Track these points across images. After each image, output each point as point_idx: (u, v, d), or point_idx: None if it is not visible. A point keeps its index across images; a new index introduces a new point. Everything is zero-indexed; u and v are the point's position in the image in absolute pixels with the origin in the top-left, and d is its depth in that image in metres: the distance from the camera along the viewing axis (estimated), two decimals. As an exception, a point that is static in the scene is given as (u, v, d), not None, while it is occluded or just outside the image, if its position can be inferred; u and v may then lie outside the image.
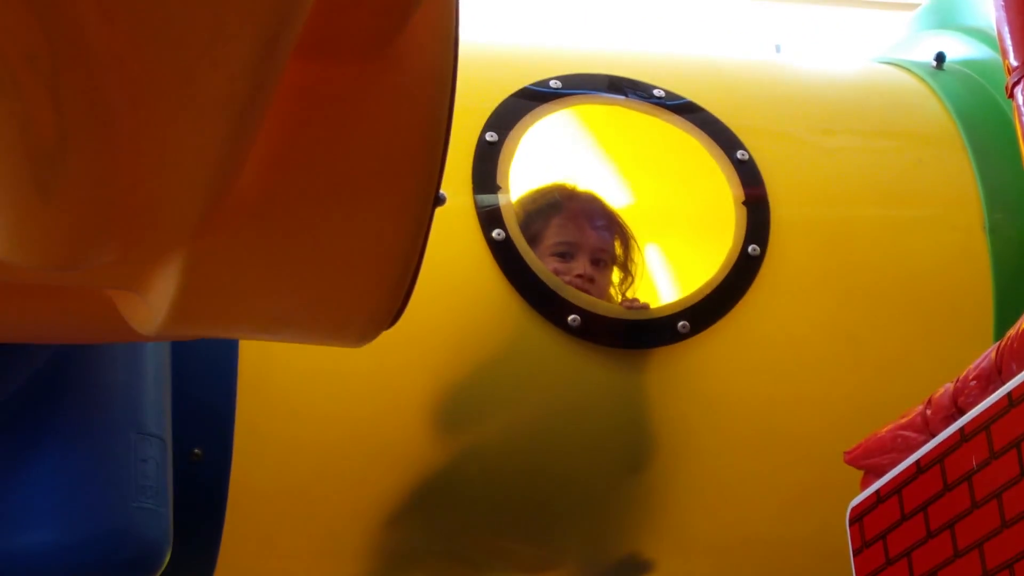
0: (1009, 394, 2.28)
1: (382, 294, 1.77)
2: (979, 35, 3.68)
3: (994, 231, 3.39)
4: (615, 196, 3.56)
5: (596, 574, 3.50)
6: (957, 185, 3.46)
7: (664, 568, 3.49)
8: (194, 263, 1.66)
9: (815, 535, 3.25)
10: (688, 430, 3.25)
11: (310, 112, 1.60)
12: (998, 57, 3.49)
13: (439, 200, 1.77)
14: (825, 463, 3.09)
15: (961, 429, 2.39)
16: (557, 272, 3.26)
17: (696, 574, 3.61)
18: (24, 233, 1.56)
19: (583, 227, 3.44)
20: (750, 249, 3.24)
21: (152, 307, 1.75)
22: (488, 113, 3.25)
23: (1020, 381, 2.26)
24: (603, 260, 3.44)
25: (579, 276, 3.34)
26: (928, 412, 2.53)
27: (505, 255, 3.13)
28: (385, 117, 1.63)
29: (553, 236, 3.39)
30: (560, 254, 3.37)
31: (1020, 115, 2.38)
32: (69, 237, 1.58)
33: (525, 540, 3.32)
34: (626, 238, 3.51)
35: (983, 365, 2.39)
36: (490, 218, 3.15)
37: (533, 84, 3.33)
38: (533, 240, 3.29)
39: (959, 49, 3.74)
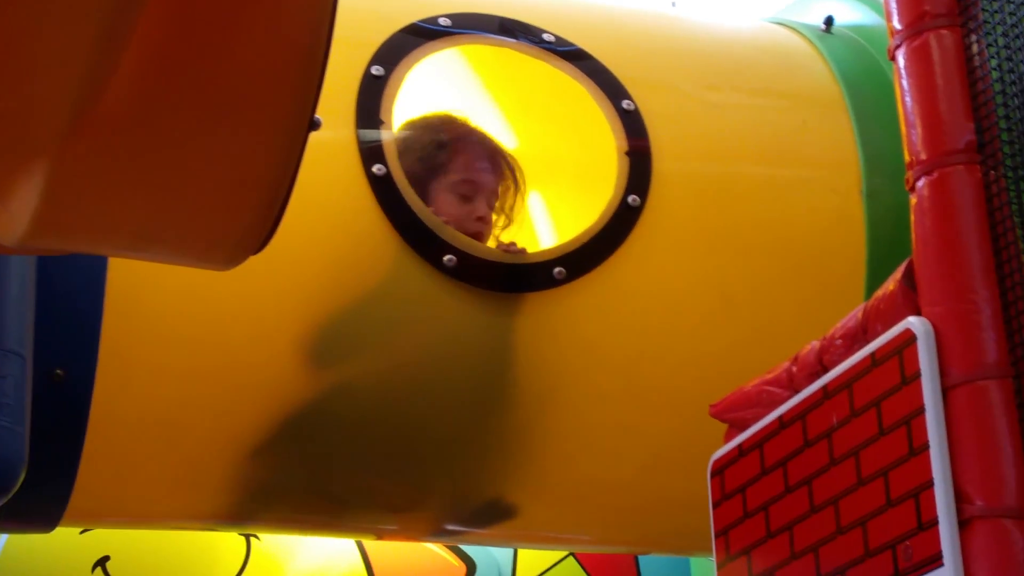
0: (872, 354, 2.31)
1: (251, 216, 1.75)
2: (868, 1, 3.71)
3: (871, 196, 3.43)
4: (500, 140, 3.54)
5: (460, 516, 3.51)
6: (838, 148, 3.48)
7: (527, 513, 3.51)
8: (58, 172, 1.63)
9: (678, 487, 3.28)
10: (557, 376, 3.26)
11: (185, 23, 1.57)
12: (885, 24, 3.53)
13: (314, 124, 1.74)
14: (692, 416, 3.12)
15: (824, 387, 2.42)
16: (456, 217, 3.25)
17: (559, 521, 3.63)
18: None
19: (486, 168, 3.43)
20: (630, 199, 3.24)
21: (13, 217, 1.72)
22: (375, 47, 3.21)
23: (884, 342, 2.29)
24: (494, 204, 3.44)
25: (480, 219, 3.34)
26: (794, 369, 2.56)
27: (384, 191, 3.10)
28: (262, 33, 1.60)
29: (459, 172, 3.37)
30: (463, 194, 3.36)
31: (900, 79, 2.39)
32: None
33: (391, 479, 3.31)
34: (518, 183, 3.51)
35: (849, 325, 2.42)
36: (371, 153, 3.12)
37: (422, 20, 3.29)
38: (435, 169, 3.28)
39: (848, 14, 3.76)
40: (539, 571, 4.35)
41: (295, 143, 1.71)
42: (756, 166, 3.47)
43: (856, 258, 3.40)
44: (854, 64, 3.61)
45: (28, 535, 3.69)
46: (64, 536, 3.85)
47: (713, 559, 3.99)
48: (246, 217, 1.75)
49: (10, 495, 2.56)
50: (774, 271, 3.38)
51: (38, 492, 2.92)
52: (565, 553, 4.38)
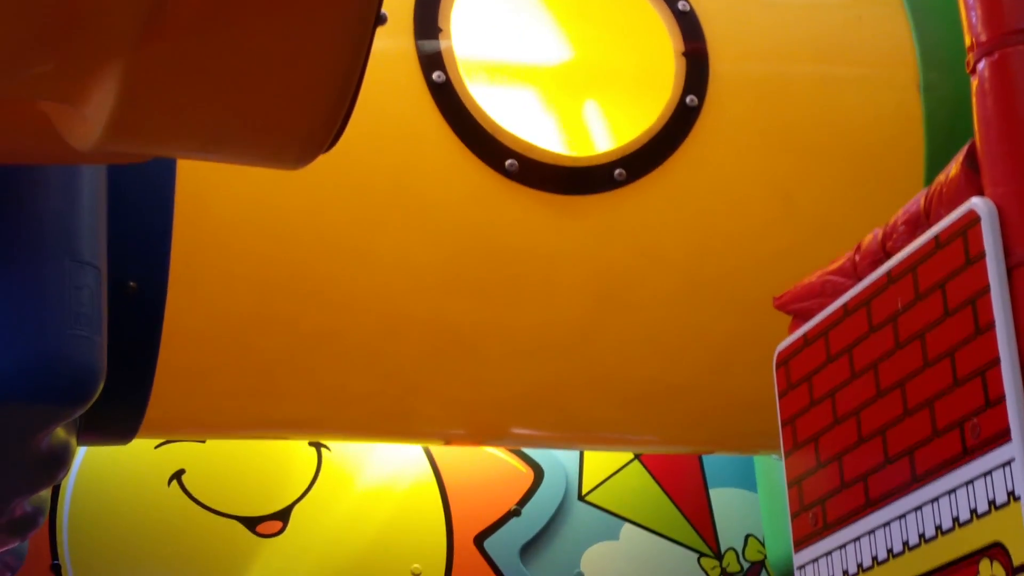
0: (936, 236, 2.31)
1: (320, 114, 1.76)
2: None
3: (928, 90, 3.41)
4: (557, 45, 3.54)
5: (523, 417, 3.55)
6: (894, 43, 3.46)
7: (593, 415, 3.54)
8: (133, 73, 1.64)
9: (741, 386, 3.30)
10: (619, 278, 3.28)
11: (251, -80, 1.58)
12: (940, -85, 3.50)
13: (380, 19, 1.76)
14: (754, 316, 3.13)
15: (888, 272, 2.42)
16: None
17: (625, 423, 3.65)
18: (-40, 36, 1.55)
19: None
20: (688, 100, 3.24)
21: (90, 120, 1.74)
22: (431, -44, 3.23)
23: (947, 224, 2.29)
24: None
25: None
26: (857, 257, 2.56)
27: (445, 97, 3.12)
28: (326, -72, 1.61)
29: None
30: None
31: (958, -36, 2.38)
32: (6, 42, 1.57)
33: (456, 381, 3.35)
34: None
35: (912, 210, 2.42)
36: (431, 61, 3.14)
37: (478, -72, 3.30)
38: None
39: (902, -92, 3.73)
40: (605, 475, 4.38)
41: (363, 38, 1.72)
42: (813, 64, 3.46)
43: (915, 152, 3.38)
44: (909, -41, 3.58)
45: (106, 449, 3.75)
46: (140, 450, 3.91)
47: (776, 456, 4.02)
48: (315, 115, 1.77)
49: (89, 404, 2.59)
50: (833, 169, 3.38)
51: (115, 404, 2.96)
52: (631, 456, 4.41)
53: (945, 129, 3.39)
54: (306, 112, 1.77)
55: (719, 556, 4.43)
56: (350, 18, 1.69)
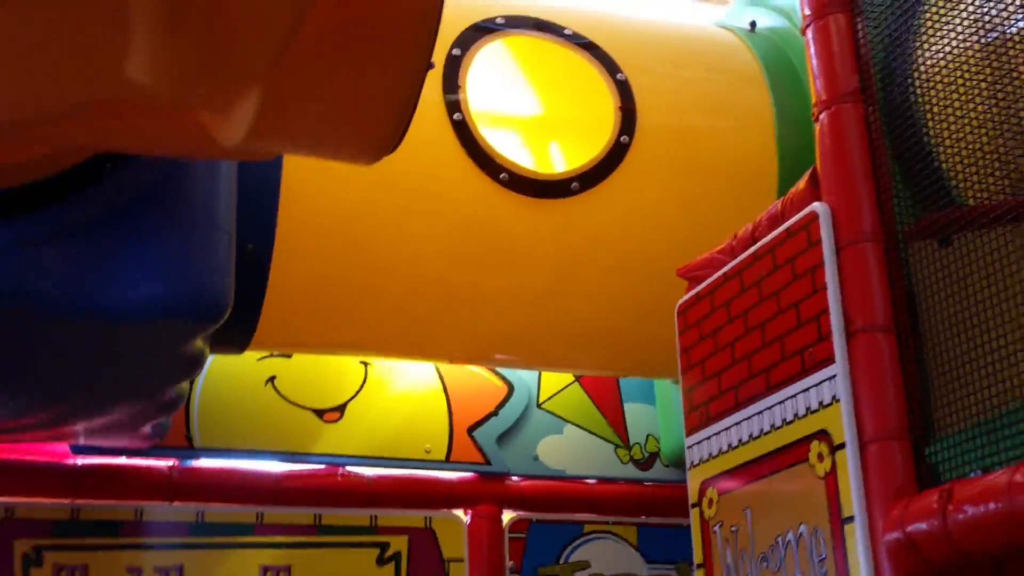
0: (788, 228, 2.33)
1: (390, 125, 1.76)
2: (780, 11, 3.68)
3: (781, 139, 3.42)
4: (535, 100, 3.54)
5: (504, 347, 3.54)
6: (759, 107, 3.47)
7: (551, 349, 3.53)
8: (267, 93, 1.64)
9: (654, 327, 3.30)
10: (573, 257, 3.28)
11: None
12: (790, 26, 3.52)
13: (430, 65, 1.76)
14: (664, 279, 3.12)
15: (755, 252, 2.45)
16: None
17: (572, 355, 3.64)
18: (155, 61, 1.54)
19: None
20: (622, 139, 3.25)
21: (234, 125, 1.72)
22: (454, 37, 3.22)
23: (797, 219, 2.31)
24: None
25: None
26: (734, 243, 2.58)
27: (461, 131, 3.12)
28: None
29: None
30: None
31: (809, 46, 2.39)
32: (186, 65, 1.56)
33: (460, 324, 3.34)
34: None
35: (772, 211, 2.44)
36: (452, 106, 3.13)
37: (484, 21, 3.29)
38: None
39: (765, 20, 3.74)
40: (556, 390, 4.36)
41: (419, 77, 1.72)
42: (706, 118, 3.46)
43: (771, 178, 3.40)
44: (770, 52, 3.59)
45: (225, 357, 3.73)
46: (247, 360, 3.90)
47: (670, 381, 4.03)
48: (387, 126, 1.76)
49: (220, 323, 2.58)
50: (719, 185, 3.38)
51: (236, 326, 2.94)
52: (573, 378, 4.40)
53: (791, 163, 3.39)
54: (381, 124, 1.77)
55: (628, 447, 4.42)
56: (411, 64, 1.70)
